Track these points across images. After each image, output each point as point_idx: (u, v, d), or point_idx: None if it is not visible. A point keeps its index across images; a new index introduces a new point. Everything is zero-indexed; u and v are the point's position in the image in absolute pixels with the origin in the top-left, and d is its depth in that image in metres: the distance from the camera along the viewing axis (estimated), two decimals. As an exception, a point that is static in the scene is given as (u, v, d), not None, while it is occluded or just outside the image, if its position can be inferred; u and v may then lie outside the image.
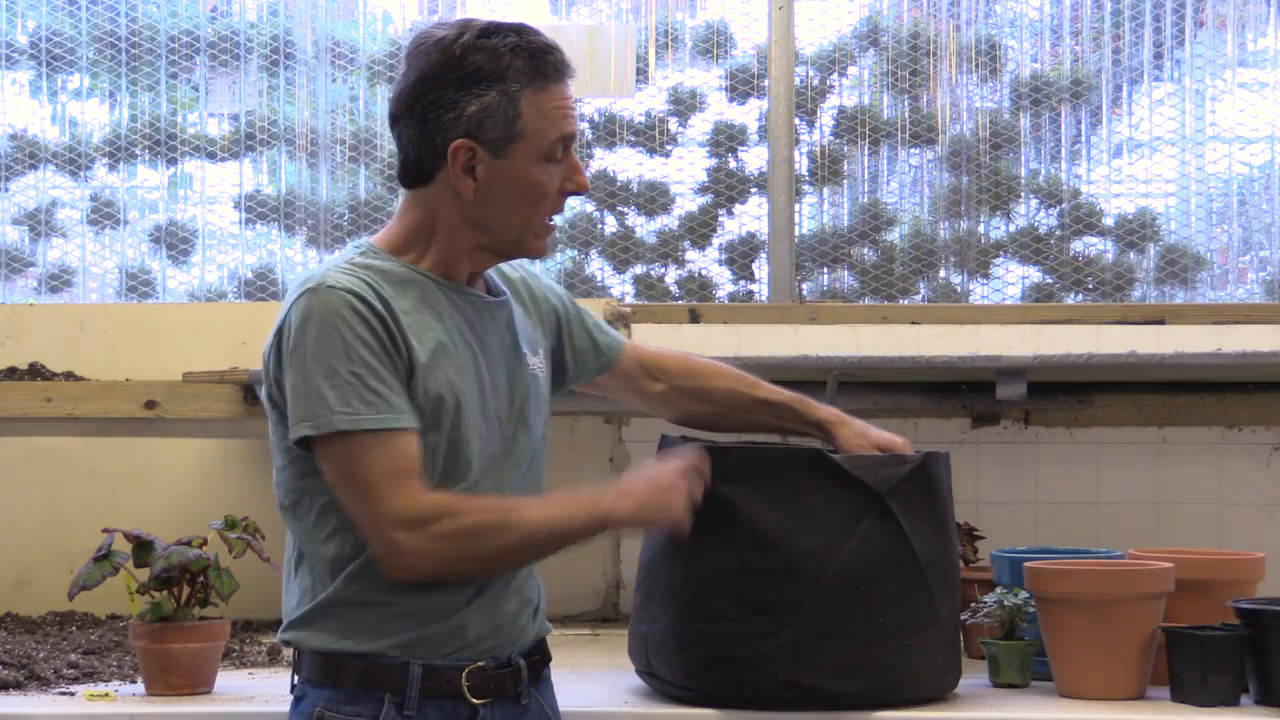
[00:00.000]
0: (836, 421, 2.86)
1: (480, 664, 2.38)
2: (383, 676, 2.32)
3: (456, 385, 2.34)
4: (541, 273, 2.86)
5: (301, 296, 2.30)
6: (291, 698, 2.42)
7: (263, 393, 2.39)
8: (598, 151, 5.09)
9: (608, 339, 2.72)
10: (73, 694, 3.12)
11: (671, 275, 5.06)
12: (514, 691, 2.42)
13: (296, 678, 2.39)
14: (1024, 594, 3.09)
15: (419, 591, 2.33)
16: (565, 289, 2.73)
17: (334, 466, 2.28)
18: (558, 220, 2.52)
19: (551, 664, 2.59)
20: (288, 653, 2.40)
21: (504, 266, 2.57)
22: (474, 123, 2.34)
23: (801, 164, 4.95)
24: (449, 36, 2.36)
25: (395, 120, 2.40)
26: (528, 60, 2.36)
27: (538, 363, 2.51)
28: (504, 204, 2.37)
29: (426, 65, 2.35)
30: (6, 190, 5.05)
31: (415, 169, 2.38)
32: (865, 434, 2.85)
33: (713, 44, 5.10)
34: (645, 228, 5.08)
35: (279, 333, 2.33)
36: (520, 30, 2.39)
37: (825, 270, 5.01)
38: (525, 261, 2.60)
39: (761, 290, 4.98)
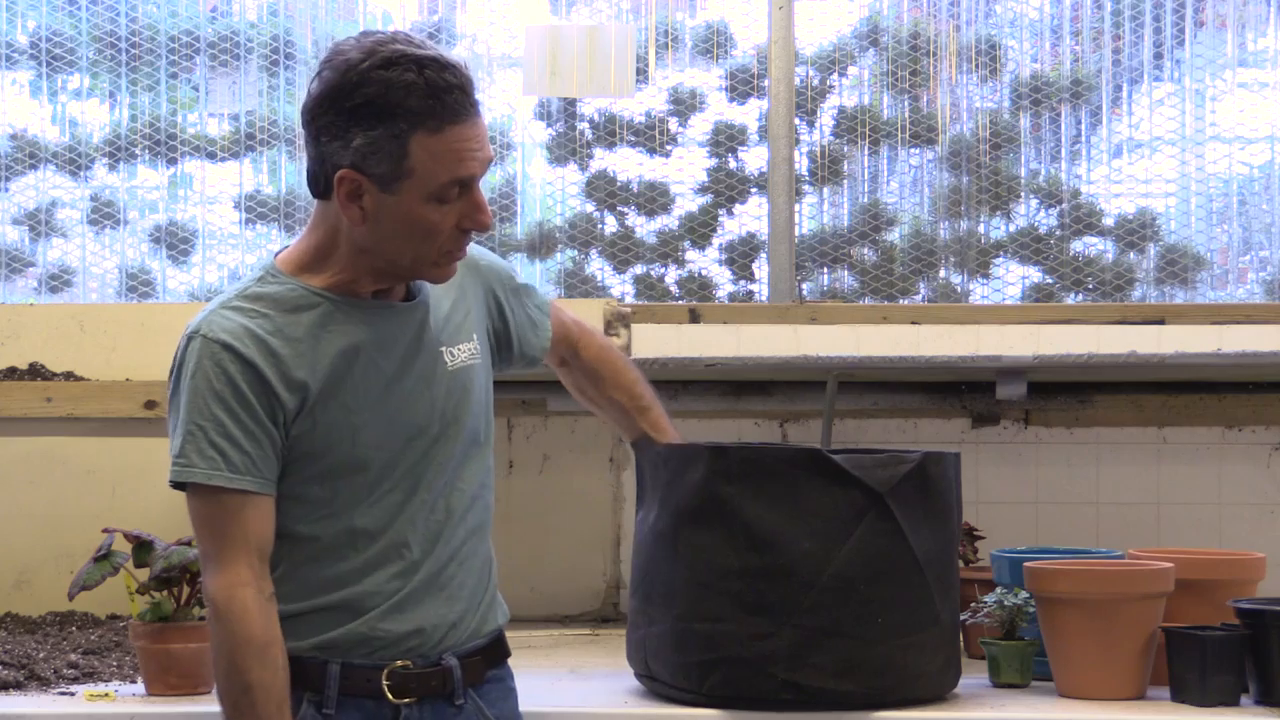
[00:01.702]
0: None
1: (402, 663, 2.37)
2: (301, 675, 2.32)
3: (352, 406, 2.33)
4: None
5: (182, 341, 2.33)
6: None
7: None
8: (598, 151, 5.10)
9: (541, 315, 2.67)
10: (73, 694, 3.11)
11: (671, 275, 5.06)
12: (444, 692, 2.41)
13: None
14: (1024, 594, 3.09)
15: (334, 594, 2.34)
16: (507, 263, 2.67)
17: (187, 508, 2.33)
18: (470, 242, 2.40)
19: (551, 665, 2.57)
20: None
21: None
22: (359, 155, 2.27)
23: (801, 164, 4.96)
24: (352, 60, 2.27)
25: (302, 126, 2.35)
26: (422, 100, 2.25)
27: (469, 350, 2.46)
28: (392, 237, 2.32)
29: (327, 84, 2.29)
30: (6, 190, 5.05)
31: (313, 183, 2.36)
32: None
33: (713, 44, 5.10)
34: (645, 228, 5.09)
35: (168, 373, 2.37)
36: (426, 64, 2.26)
37: (825, 270, 5.01)
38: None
39: (761, 290, 4.98)
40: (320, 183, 2.33)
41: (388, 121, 2.26)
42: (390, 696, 2.35)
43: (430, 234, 2.32)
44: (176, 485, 2.32)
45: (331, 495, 2.33)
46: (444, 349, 2.43)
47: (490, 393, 2.52)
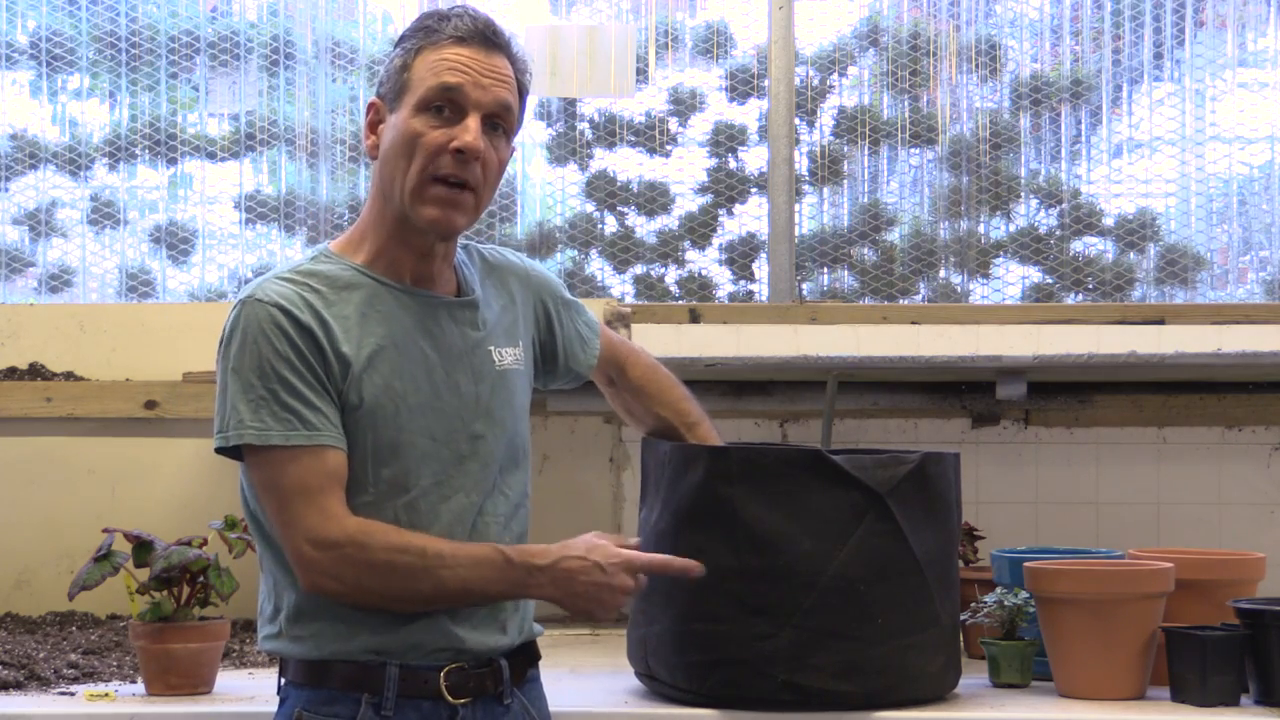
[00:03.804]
0: None
1: (459, 664, 2.38)
2: (360, 678, 2.33)
3: (397, 389, 2.34)
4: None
5: (233, 310, 2.35)
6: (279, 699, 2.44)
7: None
8: (598, 151, 5.09)
9: (591, 333, 2.72)
10: (73, 694, 3.11)
11: (671, 275, 5.06)
12: (495, 691, 2.42)
13: (282, 680, 2.41)
14: (1024, 594, 3.09)
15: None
16: (556, 278, 2.72)
17: (252, 476, 2.33)
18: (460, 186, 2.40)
19: (551, 664, 2.58)
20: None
21: (485, 254, 2.57)
22: (379, 82, 2.43)
23: (801, 164, 4.95)
24: None
25: None
26: (436, 21, 2.40)
27: (514, 355, 2.50)
28: (389, 157, 2.39)
29: None
30: (6, 190, 5.05)
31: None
32: None
33: (713, 44, 5.10)
34: (645, 228, 5.08)
35: (219, 342, 2.37)
36: (458, 6, 2.43)
37: (825, 270, 5.01)
38: (508, 251, 2.61)
39: (761, 290, 4.98)
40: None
41: (403, 44, 2.41)
42: (449, 697, 2.36)
43: (411, 146, 2.36)
44: (248, 449, 2.31)
45: (375, 479, 2.34)
46: (492, 349, 2.45)
47: (529, 401, 2.54)
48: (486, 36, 2.39)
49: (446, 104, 2.36)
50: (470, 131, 2.36)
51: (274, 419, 2.28)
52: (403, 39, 2.42)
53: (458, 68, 2.36)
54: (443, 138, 2.36)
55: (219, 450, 2.35)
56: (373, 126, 2.42)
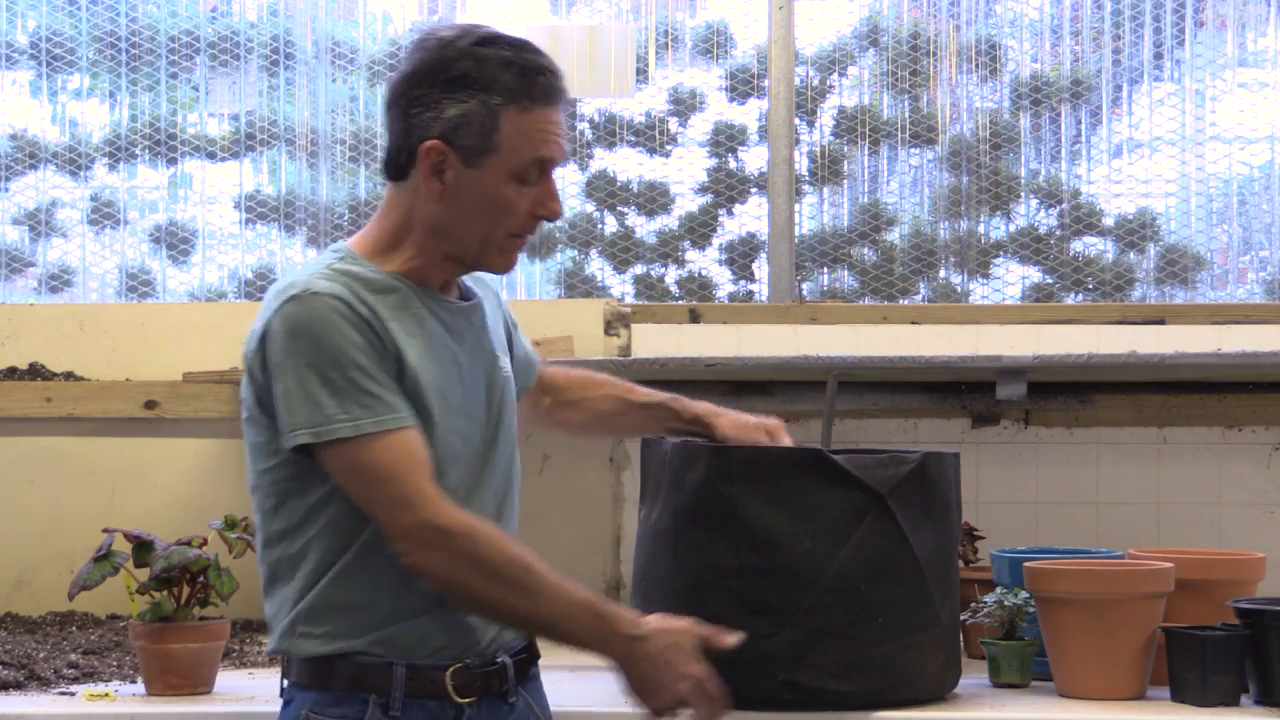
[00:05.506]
0: (711, 414, 2.84)
1: (465, 663, 2.38)
2: (367, 678, 2.33)
3: (441, 388, 2.35)
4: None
5: (286, 304, 2.30)
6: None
7: (243, 397, 2.39)
8: (598, 151, 5.10)
9: (531, 357, 2.74)
10: (73, 694, 3.11)
11: (671, 275, 5.06)
12: (500, 690, 2.42)
13: (285, 681, 2.41)
14: (1024, 594, 3.09)
15: (395, 590, 2.33)
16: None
17: (344, 471, 2.29)
18: (528, 237, 2.45)
19: (549, 663, 2.59)
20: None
21: None
22: (450, 126, 2.32)
23: (801, 164, 4.96)
24: (448, 37, 2.36)
25: (386, 109, 2.41)
26: (517, 77, 2.32)
27: (508, 362, 2.53)
28: (466, 214, 2.35)
29: (420, 61, 2.35)
30: (6, 190, 5.05)
31: (394, 162, 2.39)
32: (743, 421, 2.84)
33: (713, 44, 5.10)
34: (645, 228, 5.09)
35: (263, 339, 2.32)
36: (520, 46, 2.35)
37: (825, 270, 5.01)
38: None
39: (761, 290, 4.99)
40: (402, 158, 2.36)
41: (482, 94, 2.32)
42: (454, 696, 2.36)
43: (504, 213, 2.36)
44: (334, 441, 2.28)
45: None
46: (498, 354, 2.47)
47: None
48: (562, 90, 2.38)
49: (538, 170, 2.36)
50: (556, 198, 2.39)
51: (360, 407, 2.27)
52: (472, 83, 2.32)
53: (550, 137, 2.35)
54: (527, 202, 2.37)
55: (297, 449, 2.30)
56: (435, 170, 2.34)
